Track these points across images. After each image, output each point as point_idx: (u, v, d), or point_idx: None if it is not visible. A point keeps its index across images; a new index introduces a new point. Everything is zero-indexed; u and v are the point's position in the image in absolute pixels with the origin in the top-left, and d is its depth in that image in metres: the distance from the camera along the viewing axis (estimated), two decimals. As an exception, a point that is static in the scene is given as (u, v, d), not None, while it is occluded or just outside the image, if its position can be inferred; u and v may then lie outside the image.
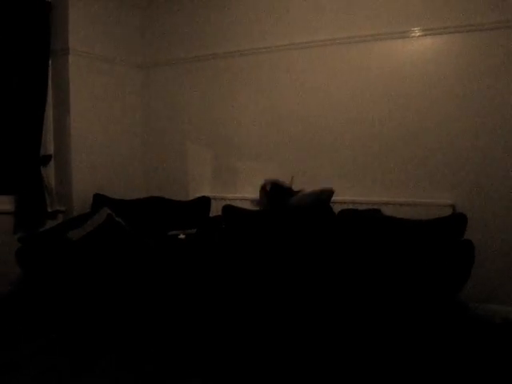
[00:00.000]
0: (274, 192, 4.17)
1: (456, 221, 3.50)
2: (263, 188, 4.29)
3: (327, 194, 3.99)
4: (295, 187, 4.24)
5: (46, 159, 4.68)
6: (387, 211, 3.88)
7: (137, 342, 3.48)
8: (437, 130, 4.01)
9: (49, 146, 4.73)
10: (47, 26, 4.54)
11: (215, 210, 4.61)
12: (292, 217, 3.87)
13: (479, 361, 3.11)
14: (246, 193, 4.78)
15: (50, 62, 4.64)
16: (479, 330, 3.58)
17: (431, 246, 3.33)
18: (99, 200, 4.54)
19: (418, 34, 4.05)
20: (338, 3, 4.34)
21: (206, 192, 4.89)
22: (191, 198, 4.83)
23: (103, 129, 5.02)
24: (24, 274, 4.12)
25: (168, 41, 5.27)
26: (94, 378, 3.04)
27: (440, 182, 4.02)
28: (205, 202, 4.61)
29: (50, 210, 4.63)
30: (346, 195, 4.29)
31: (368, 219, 3.69)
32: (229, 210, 4.28)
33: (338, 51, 4.35)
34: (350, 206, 4.02)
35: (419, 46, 4.07)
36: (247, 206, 4.52)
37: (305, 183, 4.36)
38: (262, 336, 3.10)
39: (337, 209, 3.92)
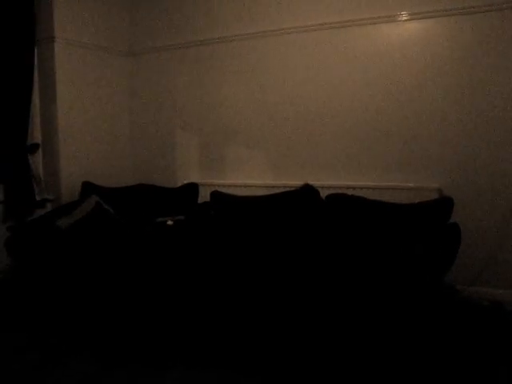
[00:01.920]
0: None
1: (442, 204, 3.53)
2: None
3: None
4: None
5: (34, 148, 4.66)
6: (374, 196, 3.89)
7: (120, 336, 3.48)
8: (423, 114, 4.02)
9: (36, 134, 4.71)
10: (32, 14, 4.49)
11: (204, 196, 4.62)
12: (279, 202, 3.88)
13: (468, 343, 3.14)
14: (234, 179, 4.80)
15: (36, 50, 4.59)
16: (467, 313, 3.61)
17: (418, 229, 3.36)
18: (88, 188, 4.54)
19: (405, 17, 4.05)
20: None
21: (194, 179, 4.89)
22: (180, 184, 4.83)
23: (91, 117, 5.00)
24: (14, 263, 4.13)
25: (155, 28, 5.23)
26: (64, 372, 3.02)
27: (427, 165, 4.04)
28: (193, 188, 4.60)
29: (38, 198, 4.62)
30: (333, 180, 4.31)
31: (355, 203, 3.71)
32: (217, 196, 4.29)
33: (325, 36, 4.33)
34: (338, 191, 4.02)
35: (406, 30, 4.07)
36: (236, 191, 4.53)
37: (293, 170, 4.38)
38: (251, 324, 3.11)
39: (324, 193, 3.93)
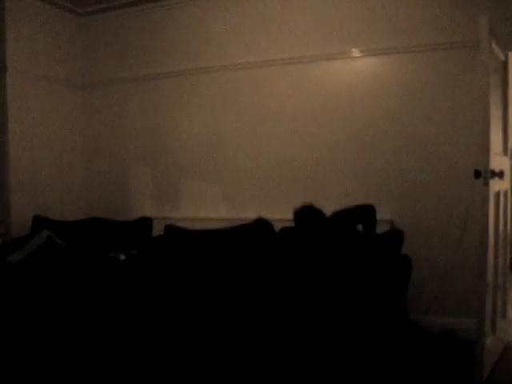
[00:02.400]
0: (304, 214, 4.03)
1: (393, 236, 3.60)
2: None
3: None
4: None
5: (-17, 181, 4.54)
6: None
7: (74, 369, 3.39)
8: (374, 147, 4.13)
9: (-14, 167, 4.59)
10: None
11: (158, 230, 4.57)
12: (233, 235, 3.87)
13: (420, 371, 3.17)
14: (189, 212, 4.79)
15: (-13, 81, 4.53)
16: (420, 342, 3.64)
17: (370, 260, 3.40)
18: (39, 222, 4.45)
19: (357, 54, 4.16)
20: (279, 25, 4.41)
21: (148, 212, 4.85)
22: (134, 218, 4.76)
23: (43, 149, 4.93)
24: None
25: (110, 61, 5.24)
26: None
27: (379, 197, 4.10)
28: (146, 222, 4.55)
29: (-13, 232, 4.48)
30: (286, 214, 4.30)
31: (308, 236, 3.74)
32: (171, 229, 4.25)
33: (278, 72, 4.43)
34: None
35: (358, 67, 4.18)
36: (190, 225, 4.50)
37: (247, 203, 4.39)
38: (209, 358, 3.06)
39: (278, 226, 3.94)
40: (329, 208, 4.18)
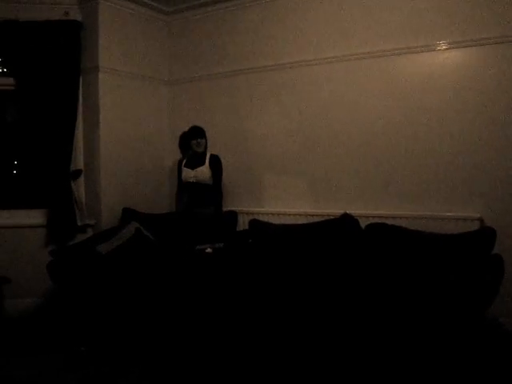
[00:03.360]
0: None
1: (484, 235, 3.48)
2: None
3: None
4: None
5: (77, 174, 4.78)
6: (413, 225, 3.86)
7: (163, 358, 3.53)
8: (464, 142, 3.98)
9: (79, 161, 4.82)
10: (78, 45, 4.68)
11: (242, 224, 4.66)
12: (318, 231, 3.87)
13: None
14: (273, 207, 4.82)
15: (81, 79, 4.77)
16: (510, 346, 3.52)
17: (459, 260, 3.31)
18: (128, 214, 4.62)
19: (444, 47, 4.05)
20: (366, 19, 4.35)
21: (233, 206, 4.91)
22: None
23: (131, 143, 5.10)
24: (55, 287, 4.21)
25: (194, 58, 5.34)
26: None
27: (467, 194, 3.98)
28: (232, 216, 4.66)
29: (79, 223, 4.71)
30: (371, 209, 4.29)
31: (395, 233, 3.68)
32: (255, 224, 4.30)
33: (365, 66, 4.36)
34: (377, 220, 4.00)
35: (445, 59, 4.07)
36: (274, 219, 4.55)
37: (332, 198, 4.39)
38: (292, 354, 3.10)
39: (363, 223, 3.92)
40: (414, 207, 4.15)
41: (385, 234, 3.71)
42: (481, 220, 3.89)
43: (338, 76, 4.49)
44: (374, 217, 4.12)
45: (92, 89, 4.78)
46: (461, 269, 3.22)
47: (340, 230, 3.87)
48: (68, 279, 3.94)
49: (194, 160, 4.59)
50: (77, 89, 4.72)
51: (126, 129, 5.05)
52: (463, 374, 2.77)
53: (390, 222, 3.92)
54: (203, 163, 4.55)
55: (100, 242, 4.19)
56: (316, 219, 4.22)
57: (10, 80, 4.68)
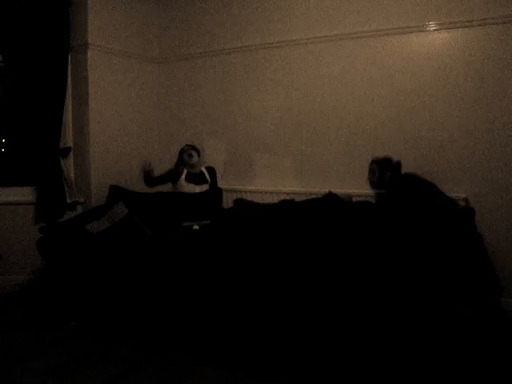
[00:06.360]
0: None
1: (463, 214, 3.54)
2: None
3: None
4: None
5: (66, 151, 4.79)
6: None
7: (154, 332, 3.59)
8: (451, 124, 4.01)
9: (68, 138, 4.84)
10: (67, 22, 4.64)
11: (227, 202, 4.72)
12: (301, 210, 3.89)
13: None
14: (258, 186, 4.86)
15: (70, 56, 4.74)
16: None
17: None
18: (115, 192, 4.57)
19: (433, 28, 4.05)
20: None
21: (220, 184, 4.92)
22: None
23: (121, 122, 5.11)
24: (45, 263, 4.24)
25: (183, 36, 5.32)
26: (110, 365, 3.17)
27: (454, 175, 4.03)
28: (217, 193, 4.70)
29: (69, 200, 4.74)
30: (356, 188, 4.35)
31: (379, 211, 3.72)
32: (240, 202, 4.33)
33: (353, 45, 4.36)
34: (361, 199, 4.06)
35: (434, 40, 4.07)
36: (258, 198, 4.61)
37: (317, 177, 4.42)
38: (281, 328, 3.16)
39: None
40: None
41: (368, 211, 3.75)
42: (466, 200, 3.94)
43: (328, 56, 4.50)
44: (360, 196, 4.16)
45: (81, 66, 4.77)
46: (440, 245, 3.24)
47: (324, 207, 3.89)
48: (58, 256, 3.97)
49: (195, 178, 4.61)
50: (65, 66, 4.69)
51: (116, 107, 5.06)
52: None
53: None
54: (206, 181, 4.63)
55: (89, 220, 4.22)
56: (303, 198, 4.25)
57: (-1, 56, 4.67)
